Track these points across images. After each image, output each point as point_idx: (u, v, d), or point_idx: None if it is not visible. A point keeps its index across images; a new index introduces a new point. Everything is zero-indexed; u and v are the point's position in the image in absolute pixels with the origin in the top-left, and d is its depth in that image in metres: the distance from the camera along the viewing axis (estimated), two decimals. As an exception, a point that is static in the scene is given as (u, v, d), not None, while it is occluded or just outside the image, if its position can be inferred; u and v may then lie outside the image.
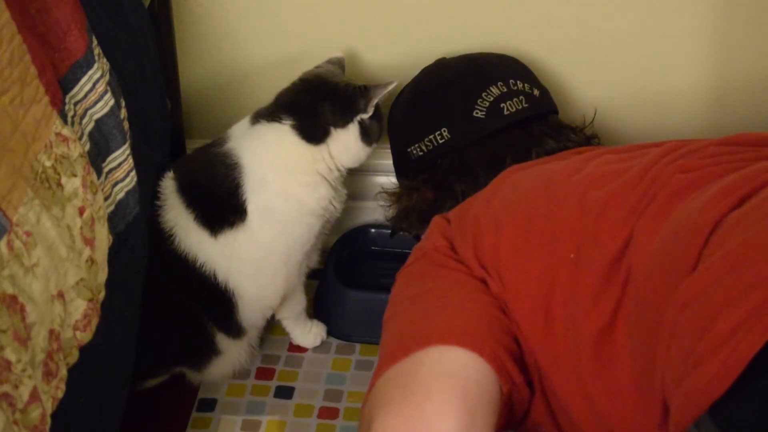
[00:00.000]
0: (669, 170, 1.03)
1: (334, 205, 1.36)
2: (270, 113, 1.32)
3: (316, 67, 1.39)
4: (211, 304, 1.32)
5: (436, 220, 1.19)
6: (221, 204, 1.30)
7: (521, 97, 1.34)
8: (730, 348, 0.81)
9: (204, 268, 1.30)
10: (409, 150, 1.38)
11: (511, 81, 1.36)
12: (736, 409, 0.81)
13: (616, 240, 1.00)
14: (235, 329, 1.35)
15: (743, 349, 0.80)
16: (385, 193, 1.44)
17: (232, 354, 1.38)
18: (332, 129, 1.32)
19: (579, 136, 1.35)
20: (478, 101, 1.34)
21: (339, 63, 1.41)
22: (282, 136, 1.31)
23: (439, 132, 1.34)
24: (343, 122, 1.32)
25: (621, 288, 0.98)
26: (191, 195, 1.31)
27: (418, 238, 1.34)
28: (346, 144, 1.33)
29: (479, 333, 1.03)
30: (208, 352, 1.36)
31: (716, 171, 1.00)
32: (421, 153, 1.36)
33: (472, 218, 1.13)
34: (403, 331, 1.08)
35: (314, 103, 1.32)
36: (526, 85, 1.37)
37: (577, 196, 1.06)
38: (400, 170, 1.43)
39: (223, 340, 1.35)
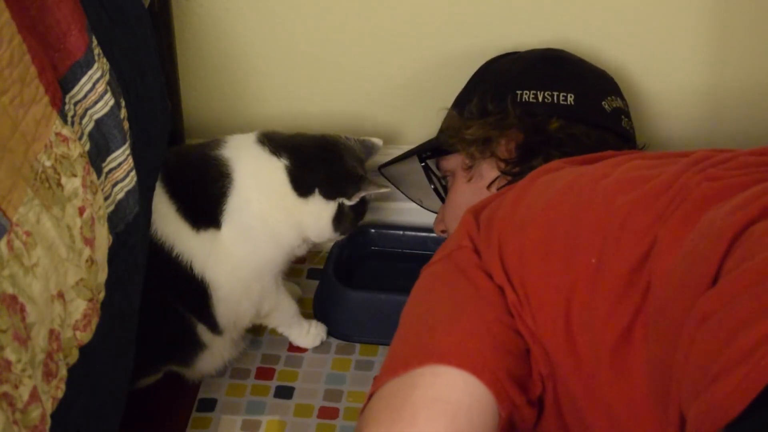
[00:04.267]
0: (697, 179, 1.01)
1: (302, 249, 1.40)
2: (275, 145, 1.33)
3: (346, 137, 1.40)
4: (188, 295, 1.32)
5: (466, 218, 1.17)
6: (205, 205, 1.31)
7: (630, 120, 1.38)
8: (751, 364, 0.79)
9: (180, 259, 1.29)
10: (517, 91, 1.34)
11: (624, 102, 1.39)
12: (755, 429, 0.79)
13: (639, 247, 0.98)
14: (213, 323, 1.34)
15: (765, 366, 0.78)
16: (473, 110, 1.36)
17: (218, 348, 1.38)
18: (317, 191, 1.33)
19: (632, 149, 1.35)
20: (607, 97, 1.35)
21: (371, 146, 1.41)
22: (276, 172, 1.32)
23: (567, 94, 1.33)
24: (327, 194, 1.33)
25: (641, 295, 0.97)
26: (176, 187, 1.31)
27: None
28: (319, 214, 1.33)
29: (482, 355, 1.02)
30: (192, 346, 1.35)
31: (745, 181, 0.98)
32: (533, 100, 1.33)
33: (499, 221, 1.12)
34: (408, 342, 1.08)
35: (314, 160, 1.34)
36: (628, 110, 1.40)
37: (603, 201, 1.05)
38: (486, 108, 1.35)
39: (205, 333, 1.35)
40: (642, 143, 1.41)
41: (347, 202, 1.34)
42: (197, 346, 1.35)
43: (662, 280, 0.95)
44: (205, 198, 1.31)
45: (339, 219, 1.35)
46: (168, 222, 1.30)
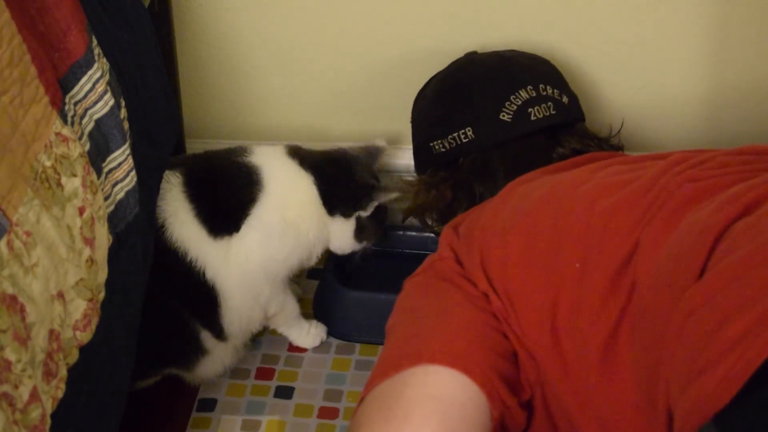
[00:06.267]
0: (678, 180, 1.02)
1: (315, 258, 1.42)
2: (302, 160, 1.37)
3: (350, 148, 1.44)
4: (196, 301, 1.32)
5: (446, 231, 1.19)
6: (229, 209, 1.32)
7: (550, 103, 1.34)
8: (737, 355, 0.80)
9: (193, 264, 1.29)
10: (431, 144, 1.37)
11: (541, 86, 1.35)
12: (742, 418, 0.79)
13: (622, 249, 0.99)
14: (218, 330, 1.34)
15: (750, 357, 0.79)
16: (403, 182, 1.44)
17: (219, 354, 1.38)
18: (338, 212, 1.38)
19: (603, 147, 1.34)
20: (506, 104, 1.33)
21: (375, 151, 1.45)
22: (309, 187, 1.36)
23: (463, 131, 1.34)
24: (345, 213, 1.38)
25: (626, 297, 0.97)
26: (198, 191, 1.31)
27: (435, 233, 1.37)
28: (343, 231, 1.40)
29: (472, 355, 1.03)
30: (194, 351, 1.35)
31: (726, 181, 0.99)
32: (443, 149, 1.36)
33: (480, 230, 1.13)
34: (397, 346, 1.08)
35: (333, 179, 1.38)
36: (555, 91, 1.36)
37: (584, 206, 1.05)
38: (420, 162, 1.43)
39: (208, 339, 1.34)
40: (619, 144, 1.40)
41: (364, 214, 1.39)
42: (199, 351, 1.35)
43: (647, 280, 0.96)
44: (229, 202, 1.32)
45: (360, 231, 1.40)
46: (185, 226, 1.29)
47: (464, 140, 1.34)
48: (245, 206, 1.31)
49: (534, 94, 1.34)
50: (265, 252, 1.33)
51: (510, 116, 1.32)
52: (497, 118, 1.33)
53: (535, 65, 1.42)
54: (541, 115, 1.32)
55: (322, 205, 1.37)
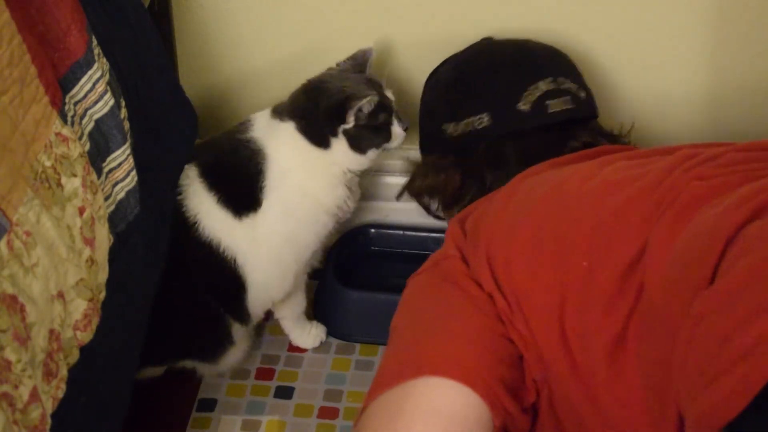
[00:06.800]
0: (686, 177, 1.01)
1: (348, 204, 1.38)
2: (280, 113, 1.35)
3: (338, 63, 1.40)
4: (226, 291, 1.33)
5: (452, 227, 1.18)
6: (245, 186, 1.32)
7: (567, 97, 1.32)
8: (750, 364, 0.79)
9: (226, 253, 1.30)
10: (443, 126, 1.36)
11: (560, 78, 1.34)
12: (755, 428, 0.79)
13: (631, 248, 0.98)
14: (245, 315, 1.36)
15: (763, 366, 0.78)
16: (409, 162, 1.43)
17: (242, 342, 1.40)
18: (330, 137, 1.33)
19: (615, 145, 1.33)
20: (525, 93, 1.31)
21: (362, 58, 1.40)
22: (294, 137, 1.33)
23: (479, 116, 1.32)
24: (331, 131, 1.32)
25: (634, 297, 0.97)
26: (214, 178, 1.32)
27: (435, 217, 1.38)
28: (341, 151, 1.33)
29: (475, 365, 1.02)
30: (224, 343, 1.37)
31: (734, 179, 0.98)
32: (457, 133, 1.34)
33: (486, 227, 1.12)
34: (400, 353, 1.08)
35: (309, 110, 1.33)
36: (573, 85, 1.35)
37: (591, 204, 1.05)
38: (428, 144, 1.41)
39: (238, 330, 1.37)
40: (628, 141, 1.39)
41: (347, 125, 1.31)
42: (228, 343, 1.37)
43: (656, 281, 0.95)
44: (243, 180, 1.32)
45: (355, 142, 1.33)
46: (212, 216, 1.30)
47: (479, 126, 1.32)
48: (257, 179, 1.31)
49: (553, 87, 1.32)
50: (288, 227, 1.34)
51: (528, 106, 1.31)
52: (515, 107, 1.31)
53: (553, 56, 1.40)
54: (559, 109, 1.31)
55: (315, 147, 1.33)
